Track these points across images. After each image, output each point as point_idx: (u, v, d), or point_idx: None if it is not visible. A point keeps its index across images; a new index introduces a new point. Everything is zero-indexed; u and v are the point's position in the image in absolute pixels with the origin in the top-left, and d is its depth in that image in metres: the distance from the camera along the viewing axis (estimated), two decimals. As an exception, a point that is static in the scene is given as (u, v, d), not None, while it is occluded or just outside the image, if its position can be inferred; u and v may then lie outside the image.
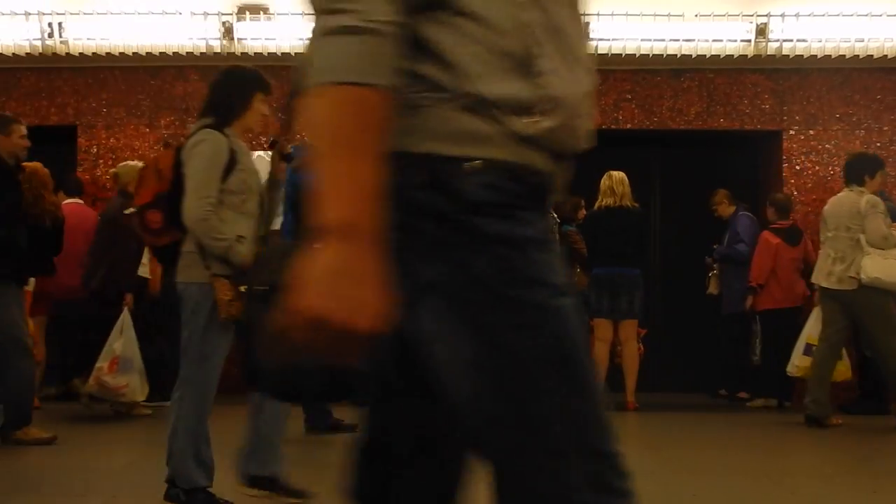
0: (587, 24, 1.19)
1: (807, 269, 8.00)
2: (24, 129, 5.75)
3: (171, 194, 3.62)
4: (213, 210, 3.51)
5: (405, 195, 1.27)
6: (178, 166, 3.63)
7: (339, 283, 1.17)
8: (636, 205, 7.56)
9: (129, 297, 6.55)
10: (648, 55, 8.24)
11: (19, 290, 5.56)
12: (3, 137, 5.65)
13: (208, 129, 3.62)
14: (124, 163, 7.39)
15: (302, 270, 1.18)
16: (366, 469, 1.51)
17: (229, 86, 3.74)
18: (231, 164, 3.58)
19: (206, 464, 3.70)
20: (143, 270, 6.85)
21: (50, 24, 8.21)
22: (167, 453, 3.71)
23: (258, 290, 1.51)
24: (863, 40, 8.22)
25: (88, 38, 8.24)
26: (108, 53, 8.28)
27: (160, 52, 8.28)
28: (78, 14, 8.22)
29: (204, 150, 3.57)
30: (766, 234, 7.94)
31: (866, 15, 8.12)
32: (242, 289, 3.45)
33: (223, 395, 3.84)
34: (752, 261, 7.87)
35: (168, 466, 3.72)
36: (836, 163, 8.44)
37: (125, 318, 6.44)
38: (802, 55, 8.30)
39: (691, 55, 8.27)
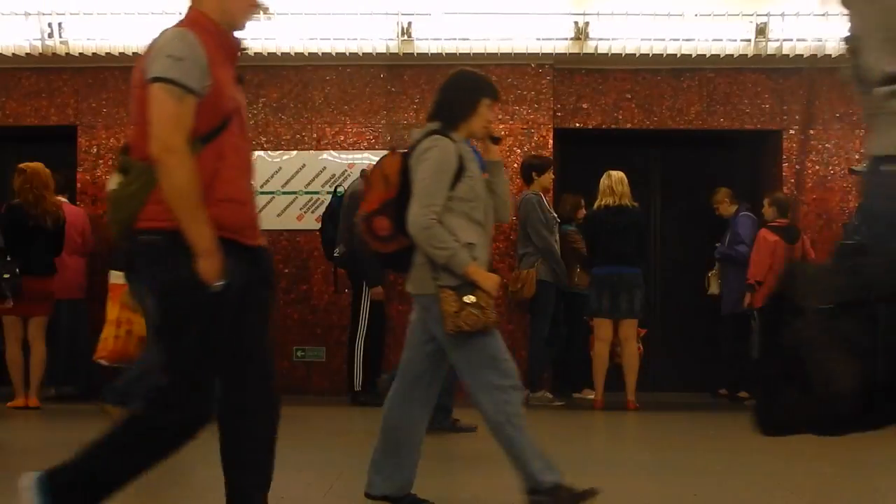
0: None
1: (806, 269, 8.01)
2: None
3: (399, 200, 3.55)
4: (436, 219, 3.45)
5: None
6: (405, 172, 3.57)
7: None
8: (635, 204, 7.57)
9: None
10: (648, 55, 8.24)
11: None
12: None
13: (437, 136, 3.56)
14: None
15: None
16: None
17: (458, 89, 3.69)
18: (460, 171, 3.52)
19: (546, 458, 3.50)
20: None
21: (50, 24, 8.20)
22: (516, 466, 3.51)
23: (820, 308, 1.43)
24: (863, 40, 8.21)
25: (88, 38, 8.23)
26: (108, 53, 8.28)
27: (160, 52, 8.27)
28: (78, 14, 8.21)
29: (433, 156, 3.50)
30: (763, 231, 7.95)
31: (866, 14, 8.12)
32: (468, 299, 3.43)
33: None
34: (751, 258, 7.88)
35: (523, 477, 3.49)
36: (836, 162, 8.44)
37: None
38: (802, 54, 8.29)
39: (691, 55, 8.26)
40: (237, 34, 2.92)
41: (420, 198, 3.47)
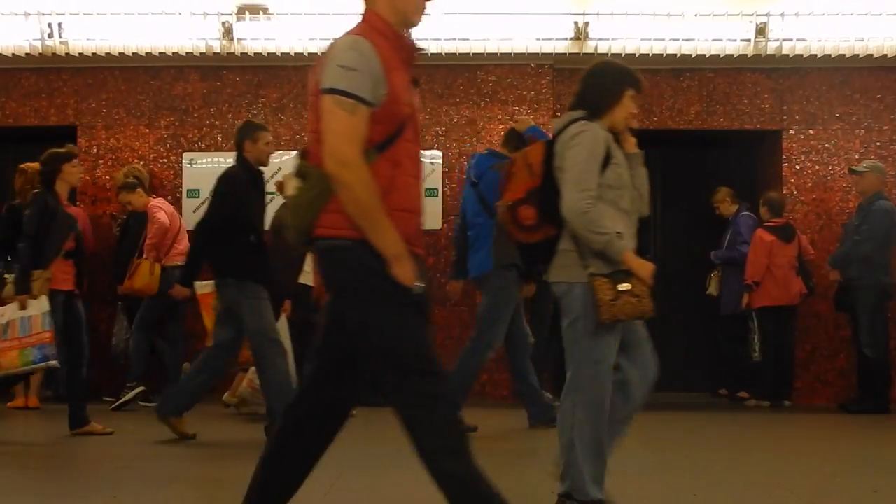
0: None
1: (802, 268, 8.01)
2: (269, 136, 5.83)
3: (543, 189, 3.48)
4: (593, 203, 3.37)
5: None
6: (549, 160, 3.50)
7: None
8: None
9: (287, 304, 6.44)
10: (648, 55, 8.24)
11: (265, 291, 5.60)
12: (250, 143, 5.70)
13: (585, 121, 3.49)
14: (290, 173, 7.32)
15: None
16: None
17: (602, 80, 3.64)
18: (607, 158, 3.46)
19: (601, 475, 3.49)
20: (306, 278, 6.76)
21: (50, 25, 8.21)
22: (562, 466, 3.50)
23: None
24: (863, 40, 8.21)
25: (88, 39, 8.23)
26: (107, 53, 8.28)
27: (160, 53, 8.28)
28: (78, 14, 8.21)
29: (583, 141, 3.43)
30: (759, 231, 7.95)
31: (866, 14, 8.12)
32: (623, 287, 3.35)
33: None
34: (747, 259, 7.88)
35: (563, 481, 3.49)
36: (836, 162, 8.45)
37: (282, 322, 6.33)
38: (802, 55, 8.29)
39: (691, 55, 8.26)
40: (412, 34, 2.84)
41: (575, 182, 3.39)
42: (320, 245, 2.71)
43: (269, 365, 5.55)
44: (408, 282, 2.63)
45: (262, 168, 5.83)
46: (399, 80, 2.71)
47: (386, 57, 2.67)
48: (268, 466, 2.89)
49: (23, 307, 5.57)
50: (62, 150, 5.96)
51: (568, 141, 3.47)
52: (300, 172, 2.76)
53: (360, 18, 2.81)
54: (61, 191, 5.83)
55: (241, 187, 5.66)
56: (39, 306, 5.58)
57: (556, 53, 8.25)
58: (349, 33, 2.74)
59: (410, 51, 2.84)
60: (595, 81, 3.65)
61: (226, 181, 5.70)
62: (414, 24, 2.83)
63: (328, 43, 2.77)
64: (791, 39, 8.23)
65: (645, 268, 3.44)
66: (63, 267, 5.78)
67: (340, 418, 2.93)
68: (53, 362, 5.66)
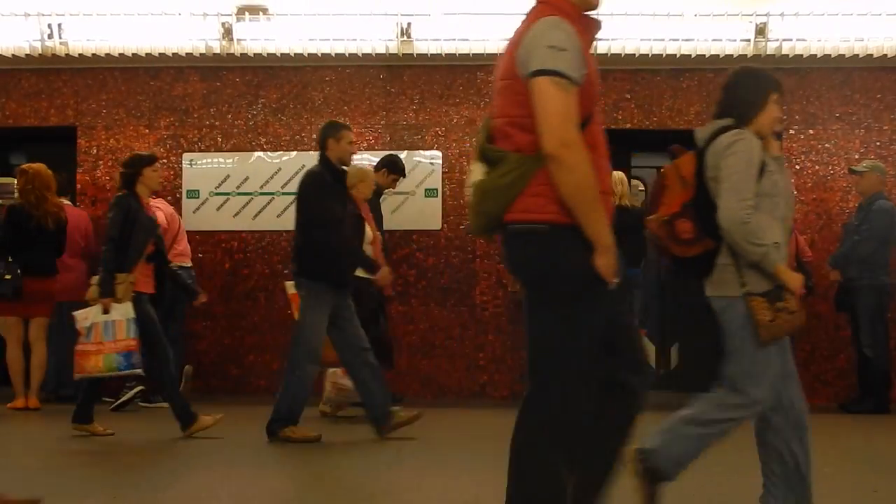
0: None
1: (801, 268, 8.00)
2: (352, 136, 5.83)
3: (697, 201, 3.45)
4: (752, 213, 3.33)
5: None
6: (699, 171, 3.47)
7: None
8: (636, 205, 7.57)
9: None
10: (648, 55, 8.24)
11: (328, 294, 5.62)
12: (334, 142, 5.71)
13: (739, 130, 3.46)
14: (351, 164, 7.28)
15: None
16: None
17: (746, 86, 3.61)
18: (762, 166, 3.43)
19: (685, 464, 3.62)
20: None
21: (50, 25, 8.22)
22: (665, 426, 3.62)
23: None
24: (863, 40, 8.22)
25: (88, 39, 8.24)
26: (107, 54, 8.29)
27: (160, 53, 8.29)
28: (78, 15, 8.22)
29: (740, 150, 3.41)
30: (754, 231, 7.94)
31: (866, 14, 8.12)
32: (780, 305, 3.34)
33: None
34: (741, 259, 7.88)
35: (652, 437, 3.58)
36: (836, 162, 8.45)
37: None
38: (802, 55, 8.30)
39: (691, 55, 8.27)
40: (593, 14, 2.80)
41: (734, 192, 3.35)
42: (513, 229, 2.64)
43: (295, 367, 5.59)
44: (609, 276, 2.58)
45: (344, 167, 5.83)
46: (591, 60, 2.70)
47: (581, 37, 2.66)
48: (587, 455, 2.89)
49: (106, 311, 5.60)
50: (144, 153, 6.09)
51: (723, 151, 3.45)
52: (487, 157, 2.70)
53: (536, 2, 2.79)
54: (142, 194, 5.88)
55: (328, 187, 5.67)
56: (124, 311, 5.63)
57: (556, 54, 8.24)
58: (544, 15, 2.71)
59: (593, 31, 2.83)
60: (739, 89, 3.62)
61: (311, 182, 5.70)
62: (594, 7, 2.81)
63: (515, 27, 2.78)
64: (791, 39, 8.23)
65: (796, 280, 3.45)
66: (144, 270, 5.84)
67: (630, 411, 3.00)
68: (139, 370, 5.70)
